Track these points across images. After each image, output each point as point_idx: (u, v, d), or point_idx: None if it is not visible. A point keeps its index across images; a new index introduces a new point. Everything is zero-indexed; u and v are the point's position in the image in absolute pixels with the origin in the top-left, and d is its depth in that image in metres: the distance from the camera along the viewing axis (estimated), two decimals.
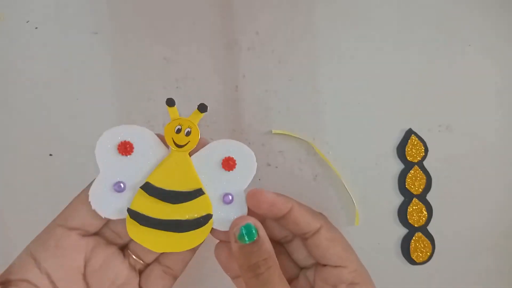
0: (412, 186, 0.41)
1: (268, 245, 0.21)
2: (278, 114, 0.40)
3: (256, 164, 0.23)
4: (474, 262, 0.42)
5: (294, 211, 0.22)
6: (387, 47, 0.41)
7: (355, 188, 0.40)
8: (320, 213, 0.24)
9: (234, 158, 0.22)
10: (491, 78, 0.42)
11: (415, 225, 0.41)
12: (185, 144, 0.22)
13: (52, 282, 0.21)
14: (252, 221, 0.21)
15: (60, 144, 0.39)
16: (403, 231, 0.41)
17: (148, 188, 0.21)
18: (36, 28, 0.40)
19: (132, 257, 0.24)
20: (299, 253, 0.23)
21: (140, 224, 0.21)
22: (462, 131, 0.41)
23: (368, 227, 0.40)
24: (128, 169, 0.21)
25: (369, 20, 0.41)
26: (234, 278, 0.24)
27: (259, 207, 0.21)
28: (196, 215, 0.21)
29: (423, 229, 0.41)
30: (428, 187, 0.41)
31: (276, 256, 0.21)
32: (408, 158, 0.40)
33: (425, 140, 0.41)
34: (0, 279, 0.20)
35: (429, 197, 0.41)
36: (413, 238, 0.41)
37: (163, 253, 0.24)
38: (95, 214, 0.21)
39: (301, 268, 0.24)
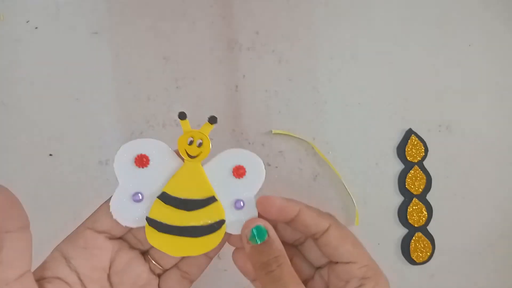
0: (412, 186, 0.41)
1: (278, 244, 0.22)
2: (278, 114, 0.40)
3: (264, 171, 0.24)
4: (474, 262, 0.42)
5: (302, 214, 0.23)
6: (387, 47, 0.41)
7: (355, 188, 0.40)
8: (328, 213, 0.25)
9: (244, 166, 0.23)
10: (491, 78, 0.42)
11: (415, 225, 0.41)
12: (198, 155, 0.23)
13: (80, 279, 0.22)
14: (262, 223, 0.23)
15: (60, 144, 0.39)
16: (403, 231, 0.41)
17: (164, 198, 0.22)
18: (36, 28, 0.40)
19: (152, 262, 0.25)
20: (312, 254, 0.25)
21: (158, 231, 0.23)
22: (462, 131, 0.41)
23: (368, 227, 0.40)
24: (145, 180, 0.23)
25: (369, 20, 0.41)
26: (253, 281, 0.26)
27: (269, 212, 0.23)
28: (210, 221, 0.23)
29: (423, 229, 0.41)
30: (428, 187, 0.41)
31: (291, 258, 0.23)
32: (408, 158, 0.40)
33: (425, 140, 0.41)
34: (36, 276, 0.21)
35: (429, 197, 0.41)
36: (413, 238, 0.41)
37: (181, 259, 0.25)
38: None
39: (316, 268, 0.25)
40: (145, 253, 0.26)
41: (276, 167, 0.40)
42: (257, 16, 0.41)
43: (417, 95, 0.41)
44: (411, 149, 0.40)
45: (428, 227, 0.41)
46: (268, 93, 0.40)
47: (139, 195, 0.23)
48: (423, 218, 0.41)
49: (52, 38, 0.40)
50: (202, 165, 0.23)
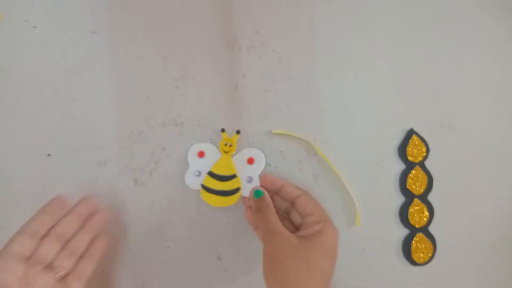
0: (414, 187, 0.40)
1: (267, 199, 0.36)
2: (278, 114, 0.40)
3: (264, 160, 0.39)
4: (475, 263, 0.41)
5: (285, 186, 0.37)
6: (388, 47, 0.41)
7: (356, 189, 0.40)
8: (303, 189, 0.37)
9: (253, 158, 0.39)
10: (493, 78, 0.42)
11: (416, 226, 0.40)
12: (228, 151, 0.39)
13: None
14: (260, 188, 0.37)
15: (59, 144, 0.39)
16: (404, 231, 0.41)
17: (211, 174, 0.39)
18: (34, 27, 0.39)
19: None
20: (294, 217, 0.37)
21: (207, 192, 0.39)
22: (464, 131, 0.41)
23: (369, 227, 0.40)
24: (202, 164, 0.39)
25: (370, 20, 0.41)
26: (255, 229, 0.38)
27: (265, 183, 0.38)
28: (233, 188, 0.39)
29: (424, 230, 0.41)
30: (429, 187, 0.41)
31: (281, 221, 0.35)
32: (409, 158, 0.40)
33: (426, 140, 0.41)
34: None
35: (430, 197, 0.41)
36: (414, 239, 0.40)
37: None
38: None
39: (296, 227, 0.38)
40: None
41: (276, 167, 0.40)
42: (257, 16, 0.40)
43: (418, 95, 0.41)
44: (412, 149, 0.40)
45: (429, 228, 0.41)
46: (268, 93, 0.40)
47: (198, 172, 0.39)
48: (424, 219, 0.41)
49: (50, 37, 0.39)
50: (231, 157, 0.39)
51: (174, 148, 0.39)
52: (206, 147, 0.39)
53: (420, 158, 0.40)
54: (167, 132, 0.39)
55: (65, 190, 0.37)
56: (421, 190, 0.40)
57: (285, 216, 0.38)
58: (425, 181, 0.40)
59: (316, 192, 0.40)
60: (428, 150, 0.40)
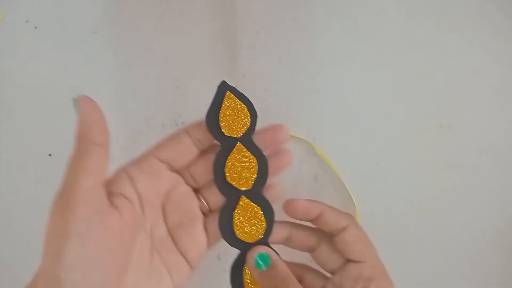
0: None
1: (282, 266, 0.24)
2: (278, 114, 0.40)
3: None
4: (475, 263, 0.42)
5: (324, 213, 0.26)
6: (387, 47, 0.41)
7: (356, 188, 0.40)
8: (348, 214, 0.28)
9: None
10: (492, 78, 0.42)
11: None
12: None
13: (140, 200, 0.25)
14: (264, 250, 0.25)
15: (59, 144, 0.39)
16: None
17: None
18: (35, 27, 0.40)
19: (202, 200, 0.28)
20: (325, 257, 0.27)
21: None
22: (463, 130, 0.41)
23: (368, 227, 0.40)
24: None
25: (369, 19, 0.41)
26: None
27: (295, 214, 0.27)
28: None
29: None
30: None
31: (301, 275, 0.26)
32: None
33: (426, 139, 0.41)
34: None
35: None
36: None
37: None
38: (182, 153, 0.27)
39: (327, 279, 0.27)
40: (196, 191, 0.28)
41: None
42: (257, 16, 0.41)
43: (417, 94, 0.41)
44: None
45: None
46: (268, 93, 0.40)
47: None
48: None
49: (51, 37, 0.40)
50: None
51: None
52: None
53: None
54: (167, 132, 0.39)
55: None
56: None
57: (305, 267, 0.28)
58: None
59: (315, 192, 0.40)
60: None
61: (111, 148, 0.39)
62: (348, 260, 0.26)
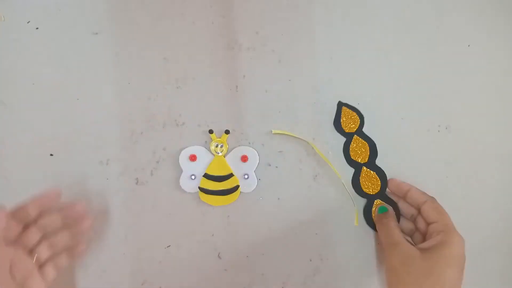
0: None
1: (391, 212, 0.38)
2: (278, 114, 0.40)
3: (258, 157, 0.40)
4: (475, 263, 0.42)
5: (411, 191, 0.38)
6: (387, 47, 0.41)
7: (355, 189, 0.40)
8: (430, 196, 0.38)
9: (247, 155, 0.39)
10: (490, 78, 0.42)
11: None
12: (221, 152, 0.40)
13: None
14: (385, 204, 0.39)
15: (61, 144, 0.39)
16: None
17: (206, 176, 0.39)
18: (37, 28, 0.40)
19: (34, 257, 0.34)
20: (420, 224, 0.38)
21: (206, 194, 0.39)
22: (461, 131, 0.41)
23: (367, 227, 0.40)
24: (196, 167, 0.40)
25: (369, 20, 0.41)
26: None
27: (392, 187, 0.39)
28: (232, 186, 0.39)
29: None
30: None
31: (408, 231, 0.39)
32: None
33: (424, 140, 0.41)
34: None
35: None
36: None
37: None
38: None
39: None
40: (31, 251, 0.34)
41: (276, 167, 0.40)
42: (257, 16, 0.41)
43: (416, 95, 0.41)
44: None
45: None
46: (268, 93, 0.40)
47: (193, 176, 0.39)
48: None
49: (52, 38, 0.40)
50: (224, 157, 0.40)
51: (175, 148, 0.40)
52: (197, 150, 0.39)
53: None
54: (168, 132, 0.40)
55: (67, 190, 0.37)
56: None
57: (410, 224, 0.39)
58: None
59: (315, 192, 0.40)
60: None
61: (111, 148, 0.39)
62: (429, 223, 0.36)
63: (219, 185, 0.39)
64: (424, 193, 0.38)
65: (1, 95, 0.39)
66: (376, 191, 0.40)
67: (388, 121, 0.41)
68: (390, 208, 0.38)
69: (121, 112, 0.40)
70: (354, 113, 0.40)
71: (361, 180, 0.40)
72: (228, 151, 0.40)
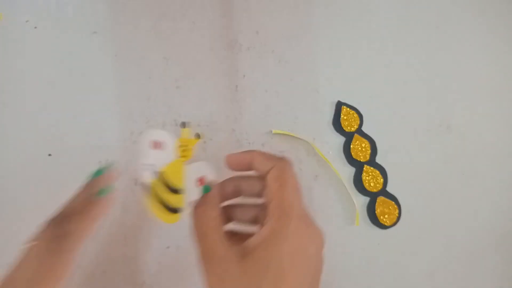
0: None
1: (212, 193, 0.29)
2: (278, 114, 0.40)
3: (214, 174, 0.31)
4: (476, 263, 0.42)
5: (254, 160, 0.28)
6: (387, 47, 0.41)
7: (356, 188, 0.40)
8: (281, 157, 0.28)
9: (205, 177, 0.30)
10: (490, 78, 0.42)
11: None
12: (183, 157, 0.31)
13: None
14: (209, 184, 0.29)
15: (59, 144, 0.39)
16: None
17: (161, 176, 0.30)
18: (35, 27, 0.40)
19: None
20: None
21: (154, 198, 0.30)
22: (462, 130, 0.41)
23: (368, 227, 0.40)
24: (157, 158, 0.30)
25: (369, 20, 0.41)
26: None
27: (231, 166, 0.29)
28: (176, 205, 0.30)
29: None
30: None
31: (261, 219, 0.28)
32: None
33: (424, 139, 0.41)
34: None
35: (428, 197, 0.41)
36: None
37: None
38: None
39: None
40: None
41: None
42: (257, 16, 0.41)
43: (416, 94, 0.41)
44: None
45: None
46: (268, 93, 0.40)
47: (151, 165, 0.30)
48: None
49: (51, 37, 0.39)
50: (184, 164, 0.31)
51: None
52: (165, 138, 0.30)
53: None
54: (168, 132, 0.39)
55: (66, 190, 0.37)
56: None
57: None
58: None
59: (315, 192, 0.40)
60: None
61: (111, 148, 0.39)
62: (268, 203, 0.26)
63: (168, 195, 0.30)
64: (271, 157, 0.28)
65: (0, 94, 0.39)
66: (379, 189, 0.40)
67: (388, 120, 0.41)
68: (212, 188, 0.29)
69: (121, 112, 0.39)
70: (354, 112, 0.40)
71: (363, 178, 0.39)
72: (192, 160, 0.31)
